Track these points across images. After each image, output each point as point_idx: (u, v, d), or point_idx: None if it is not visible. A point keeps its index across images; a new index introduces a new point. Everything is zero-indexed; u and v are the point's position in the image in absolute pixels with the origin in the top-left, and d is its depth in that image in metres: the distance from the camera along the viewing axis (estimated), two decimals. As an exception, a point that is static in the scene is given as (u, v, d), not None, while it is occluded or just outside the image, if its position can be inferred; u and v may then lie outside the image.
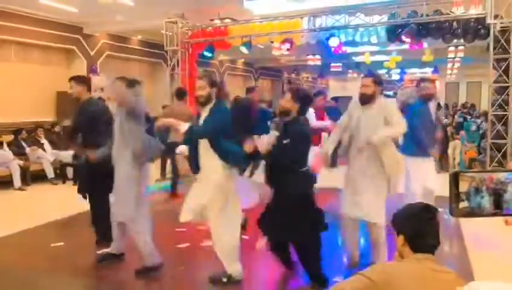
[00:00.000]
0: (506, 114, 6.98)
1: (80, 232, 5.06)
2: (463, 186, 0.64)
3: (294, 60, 16.43)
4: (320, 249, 3.31)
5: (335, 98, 11.87)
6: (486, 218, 0.66)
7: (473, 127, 9.15)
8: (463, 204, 0.65)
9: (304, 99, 3.35)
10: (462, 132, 9.17)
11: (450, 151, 9.04)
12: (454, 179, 0.65)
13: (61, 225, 5.47)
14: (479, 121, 9.65)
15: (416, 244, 1.76)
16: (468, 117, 11.03)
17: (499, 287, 2.08)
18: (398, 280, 1.65)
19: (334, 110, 7.13)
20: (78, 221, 5.53)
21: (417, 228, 1.76)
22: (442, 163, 9.13)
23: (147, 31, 10.77)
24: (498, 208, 0.65)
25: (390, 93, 14.50)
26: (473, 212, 0.66)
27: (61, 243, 4.60)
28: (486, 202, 0.64)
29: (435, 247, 1.78)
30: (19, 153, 7.95)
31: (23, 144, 8.17)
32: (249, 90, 5.83)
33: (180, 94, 6.72)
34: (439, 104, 20.27)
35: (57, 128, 8.94)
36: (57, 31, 9.47)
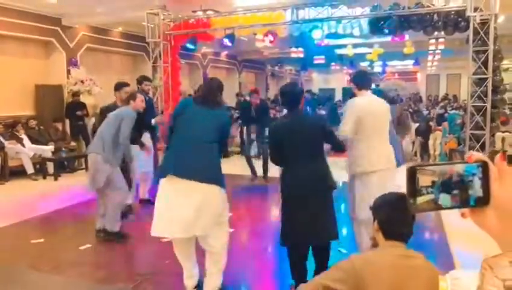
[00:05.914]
0: (485, 105, 7.10)
1: (60, 228, 4.98)
2: (425, 181, 0.62)
3: (278, 53, 16.37)
4: None
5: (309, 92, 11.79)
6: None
7: (458, 120, 9.18)
8: (422, 199, 0.63)
9: None
10: (445, 124, 9.25)
11: (430, 142, 9.18)
12: (411, 175, 0.63)
13: (41, 221, 5.37)
14: (461, 112, 9.73)
15: (388, 230, 1.83)
16: (449, 108, 11.16)
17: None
18: (372, 266, 1.73)
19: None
20: (58, 217, 5.44)
21: (389, 215, 1.84)
22: (423, 154, 9.28)
23: (128, 22, 10.57)
24: (462, 200, 0.64)
25: (373, 85, 14.56)
26: (432, 207, 0.64)
27: (42, 240, 4.53)
28: (447, 196, 0.63)
29: (407, 236, 1.85)
30: (-3, 148, 7.76)
31: (1, 138, 7.97)
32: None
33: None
34: (420, 97, 20.50)
35: (35, 123, 8.73)
36: (35, 23, 9.19)
